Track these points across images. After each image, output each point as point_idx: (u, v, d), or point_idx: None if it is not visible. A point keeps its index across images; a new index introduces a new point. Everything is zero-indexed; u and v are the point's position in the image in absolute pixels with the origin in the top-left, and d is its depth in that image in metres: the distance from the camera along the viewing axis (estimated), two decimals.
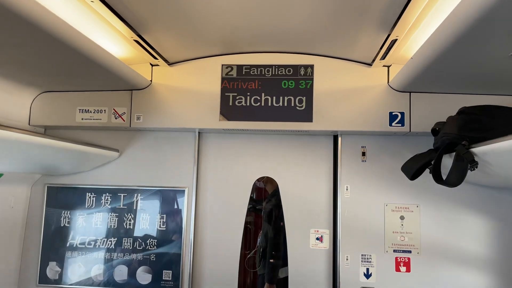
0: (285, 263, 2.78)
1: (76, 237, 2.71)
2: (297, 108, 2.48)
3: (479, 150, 1.71)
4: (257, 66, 2.53)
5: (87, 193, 2.73)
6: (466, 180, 1.80)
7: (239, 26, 2.14)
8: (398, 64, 2.37)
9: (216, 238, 2.68)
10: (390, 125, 2.40)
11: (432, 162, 1.97)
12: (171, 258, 2.64)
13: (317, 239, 2.61)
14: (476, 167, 1.76)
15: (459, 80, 2.12)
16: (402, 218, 2.51)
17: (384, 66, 2.44)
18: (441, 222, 2.49)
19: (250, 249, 3.20)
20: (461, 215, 2.49)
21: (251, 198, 2.74)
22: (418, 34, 1.93)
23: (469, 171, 1.78)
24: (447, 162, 1.91)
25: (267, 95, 2.51)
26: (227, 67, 2.55)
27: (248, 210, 2.73)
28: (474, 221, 2.48)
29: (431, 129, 2.13)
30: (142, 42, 2.16)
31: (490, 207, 2.48)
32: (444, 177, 1.88)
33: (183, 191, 2.68)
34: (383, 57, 2.26)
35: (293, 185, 2.67)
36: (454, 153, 1.83)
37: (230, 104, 2.51)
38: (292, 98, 2.48)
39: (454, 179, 1.81)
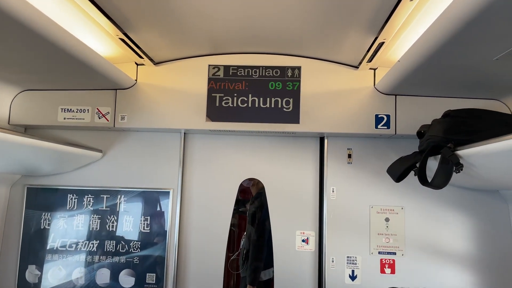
0: (269, 265, 2.77)
1: (56, 239, 2.63)
2: (284, 109, 2.47)
3: (464, 152, 1.73)
4: (244, 67, 2.51)
5: (69, 195, 2.65)
6: (450, 182, 1.82)
7: (227, 27, 2.12)
8: (385, 67, 2.39)
9: (201, 241, 2.65)
10: (376, 127, 2.41)
11: (418, 165, 1.99)
12: (155, 260, 2.59)
13: (303, 241, 2.61)
14: (461, 170, 1.78)
15: (444, 83, 2.15)
16: (387, 220, 2.53)
17: (370, 69, 2.46)
18: (426, 223, 2.52)
19: (233, 252, 3.17)
20: (445, 217, 2.53)
21: (237, 199, 2.72)
22: (405, 38, 1.95)
23: (454, 173, 1.80)
24: (432, 164, 1.93)
25: (254, 96, 2.49)
26: (214, 68, 2.52)
27: (234, 211, 2.71)
28: (458, 222, 2.52)
29: (417, 132, 2.15)
30: (128, 40, 2.12)
31: (473, 208, 2.52)
32: (429, 180, 1.90)
33: (168, 192, 2.64)
34: (370, 60, 2.27)
35: (279, 186, 2.66)
36: (440, 155, 1.85)
37: (217, 104, 2.49)
38: (279, 100, 2.48)
39: (440, 182, 1.83)
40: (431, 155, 1.97)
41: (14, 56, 1.88)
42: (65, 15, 1.78)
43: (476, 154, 1.67)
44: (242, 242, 3.13)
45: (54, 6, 1.69)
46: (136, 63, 2.52)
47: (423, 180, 1.95)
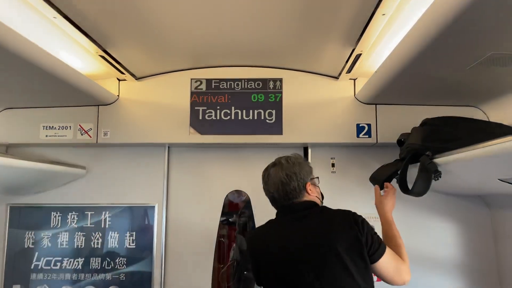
0: None
1: (41, 258, 2.59)
2: (267, 121, 2.49)
3: (442, 160, 1.77)
4: (226, 80, 2.53)
5: (52, 213, 2.62)
6: (432, 189, 1.86)
7: (208, 41, 2.14)
8: (364, 77, 2.44)
9: (188, 254, 2.64)
10: (358, 136, 2.45)
11: (398, 173, 2.02)
12: (141, 276, 2.57)
13: None
14: (440, 177, 1.82)
15: (421, 92, 2.19)
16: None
17: (350, 79, 2.50)
18: (410, 230, 2.53)
19: (223, 263, 3.16)
20: (428, 223, 2.56)
21: (223, 211, 2.72)
22: (382, 49, 1.99)
23: (433, 180, 1.84)
24: (413, 172, 1.96)
25: (237, 108, 2.51)
26: (196, 81, 2.54)
27: (221, 222, 2.71)
28: (441, 228, 2.56)
29: (397, 140, 2.19)
30: (108, 57, 2.12)
31: (456, 214, 2.56)
32: (410, 187, 1.93)
33: (153, 207, 2.63)
34: (349, 71, 2.32)
35: (264, 197, 2.66)
36: (419, 163, 1.88)
37: (200, 118, 2.50)
38: (262, 111, 2.50)
39: (420, 189, 1.86)
40: (411, 163, 2.01)
41: None
42: (45, 36, 1.78)
43: (453, 161, 1.71)
44: (231, 254, 3.12)
45: (32, 26, 1.69)
46: (118, 78, 2.52)
47: (404, 188, 1.98)
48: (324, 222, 1.61)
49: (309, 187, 1.71)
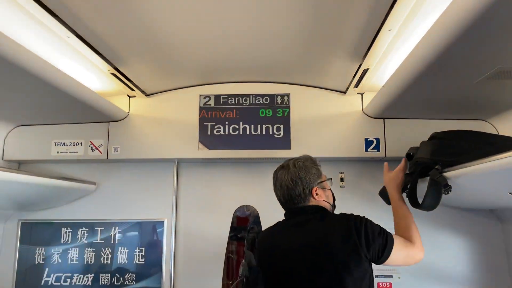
0: None
1: (51, 274, 2.60)
2: (275, 136, 2.51)
3: (451, 174, 1.76)
4: (234, 96, 2.56)
5: (63, 228, 2.64)
6: (442, 203, 1.84)
7: (216, 58, 2.18)
8: (371, 91, 2.45)
9: (197, 270, 2.63)
10: (366, 150, 2.45)
11: (408, 187, 2.01)
12: None
13: None
14: (450, 191, 1.80)
15: (429, 106, 2.20)
16: None
17: (358, 93, 2.51)
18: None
19: (232, 279, 3.14)
20: (439, 237, 2.53)
21: (232, 226, 2.71)
22: (389, 64, 2.01)
23: (444, 194, 1.82)
24: (423, 186, 1.95)
25: (245, 123, 2.53)
26: (205, 97, 2.57)
27: (230, 238, 2.70)
28: (453, 243, 2.52)
29: (406, 154, 2.18)
30: (119, 74, 2.17)
31: (467, 228, 2.52)
32: (420, 201, 1.92)
33: (162, 222, 2.64)
34: (356, 85, 2.33)
35: (273, 213, 2.65)
36: (428, 177, 1.87)
37: (209, 133, 2.52)
38: (270, 126, 2.52)
39: (430, 203, 1.85)
40: (420, 177, 2.00)
41: (7, 94, 1.92)
42: (58, 54, 1.83)
43: (463, 175, 1.69)
44: (241, 269, 3.10)
45: (46, 45, 1.74)
46: (128, 95, 2.56)
47: (414, 203, 1.96)
48: (323, 229, 1.61)
49: (315, 191, 1.70)
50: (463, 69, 1.59)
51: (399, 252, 1.59)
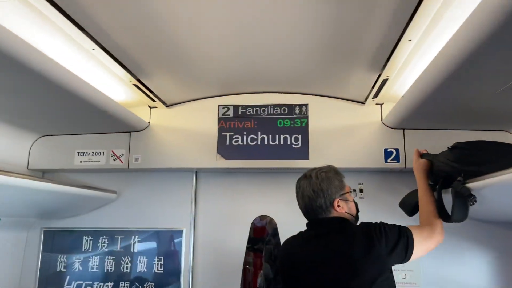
0: None
1: (72, 282, 2.64)
2: (293, 146, 2.51)
3: (474, 185, 1.73)
4: (253, 106, 2.59)
5: (84, 237, 2.69)
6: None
7: (236, 70, 2.21)
8: (391, 102, 2.43)
9: (215, 280, 2.63)
10: (386, 161, 2.42)
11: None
12: None
13: None
14: (475, 201, 1.76)
15: (450, 117, 2.17)
16: None
17: (377, 104, 2.50)
18: (442, 258, 2.47)
19: None
20: (462, 251, 2.47)
21: (249, 237, 2.71)
22: (408, 74, 2.00)
23: (469, 205, 1.78)
24: (446, 198, 1.91)
25: (263, 134, 2.54)
26: (223, 108, 2.60)
27: (247, 249, 2.70)
28: (475, 256, 2.45)
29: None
30: (141, 86, 2.22)
31: (490, 241, 2.45)
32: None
33: (181, 232, 2.66)
34: (376, 96, 2.32)
35: (292, 224, 2.63)
36: (451, 189, 1.83)
37: (227, 143, 2.55)
38: (288, 137, 2.52)
39: (458, 216, 1.80)
40: (443, 188, 1.96)
41: (33, 105, 1.99)
42: (83, 66, 1.89)
43: (486, 186, 1.66)
44: (258, 281, 3.08)
45: (73, 59, 1.80)
46: (149, 106, 2.62)
47: (445, 216, 1.89)
48: (343, 242, 1.60)
49: (337, 203, 1.70)
50: (484, 79, 1.57)
51: (420, 247, 1.62)
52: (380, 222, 1.65)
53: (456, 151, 1.96)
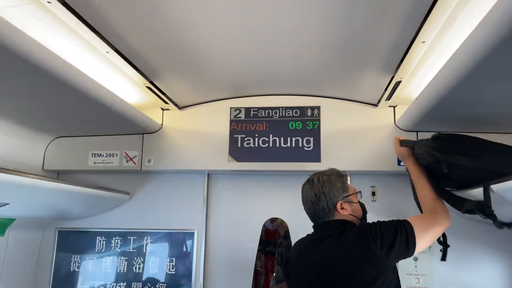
0: None
1: (85, 282, 2.68)
2: (305, 148, 2.50)
3: (497, 187, 1.68)
4: (264, 108, 2.59)
5: (97, 237, 2.73)
6: (479, 219, 1.76)
7: (247, 72, 2.22)
8: (404, 104, 2.41)
9: (227, 281, 2.63)
10: (399, 164, 2.40)
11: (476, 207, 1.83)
12: None
13: None
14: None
15: (464, 120, 2.13)
16: (415, 259, 2.45)
17: (390, 106, 2.48)
18: (456, 263, 2.43)
19: None
20: (476, 255, 2.43)
21: (261, 240, 2.71)
22: (422, 76, 1.98)
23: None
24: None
25: (275, 136, 2.54)
26: (235, 110, 2.61)
27: (258, 251, 2.70)
28: (490, 261, 2.41)
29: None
30: (154, 88, 2.25)
31: (507, 246, 2.41)
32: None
33: (193, 233, 2.67)
34: (389, 98, 2.30)
35: (304, 226, 2.64)
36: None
37: (239, 145, 2.55)
38: (300, 139, 2.52)
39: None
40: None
41: (49, 107, 2.03)
42: (97, 68, 1.92)
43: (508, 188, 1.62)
44: (271, 284, 3.07)
45: (88, 61, 1.83)
46: (162, 108, 2.64)
47: (500, 223, 1.72)
48: (342, 245, 1.61)
49: (340, 206, 1.69)
50: (500, 80, 1.54)
51: (425, 237, 1.60)
52: (377, 221, 1.64)
53: (439, 141, 1.90)
